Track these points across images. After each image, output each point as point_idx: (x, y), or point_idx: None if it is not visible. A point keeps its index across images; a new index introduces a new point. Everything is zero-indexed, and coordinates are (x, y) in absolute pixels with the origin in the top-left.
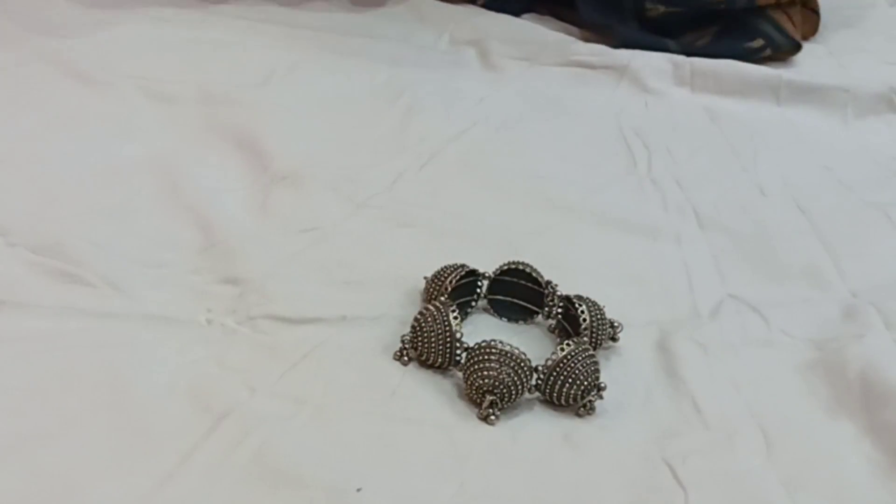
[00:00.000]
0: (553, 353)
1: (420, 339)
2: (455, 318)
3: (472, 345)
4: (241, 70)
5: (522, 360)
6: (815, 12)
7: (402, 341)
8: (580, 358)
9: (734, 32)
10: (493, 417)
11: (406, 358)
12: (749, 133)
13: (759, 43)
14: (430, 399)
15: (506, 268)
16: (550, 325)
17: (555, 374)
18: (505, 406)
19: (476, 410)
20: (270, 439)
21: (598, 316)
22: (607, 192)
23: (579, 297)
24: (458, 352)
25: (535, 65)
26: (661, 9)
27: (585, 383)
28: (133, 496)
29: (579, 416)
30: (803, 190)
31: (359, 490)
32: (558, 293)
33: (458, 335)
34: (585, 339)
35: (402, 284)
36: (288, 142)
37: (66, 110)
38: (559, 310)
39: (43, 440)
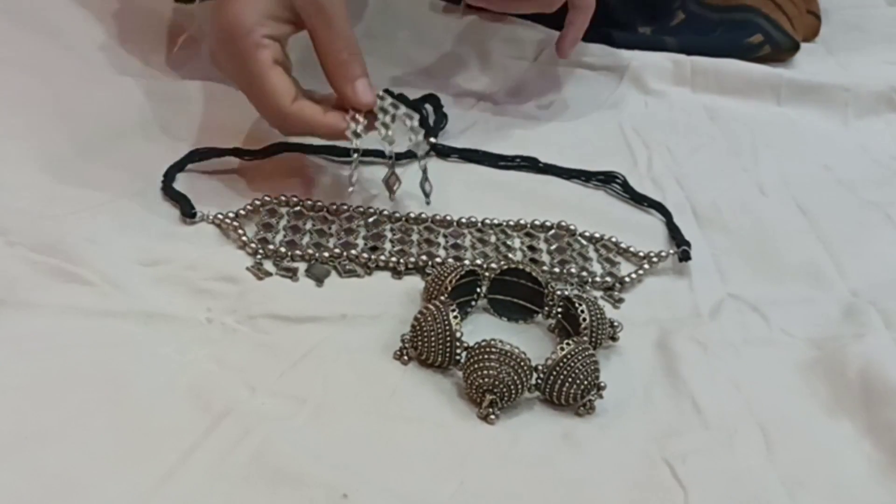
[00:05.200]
0: (553, 353)
1: (420, 338)
2: (455, 317)
3: (472, 344)
4: None
5: (522, 360)
6: (816, 16)
7: (402, 340)
8: (580, 357)
9: (733, 30)
10: (492, 416)
11: (406, 357)
12: (749, 132)
13: (758, 39)
14: (430, 398)
15: (506, 267)
16: (550, 325)
17: (555, 373)
18: (505, 405)
19: (476, 410)
20: (270, 438)
21: (598, 315)
22: (607, 191)
23: (579, 297)
24: (458, 351)
25: (535, 65)
26: (649, 30)
27: (585, 383)
28: (133, 495)
29: (579, 415)
30: (803, 189)
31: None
32: (558, 293)
33: (458, 334)
34: (585, 338)
35: (402, 283)
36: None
37: (66, 108)
38: (559, 309)
39: (43, 440)
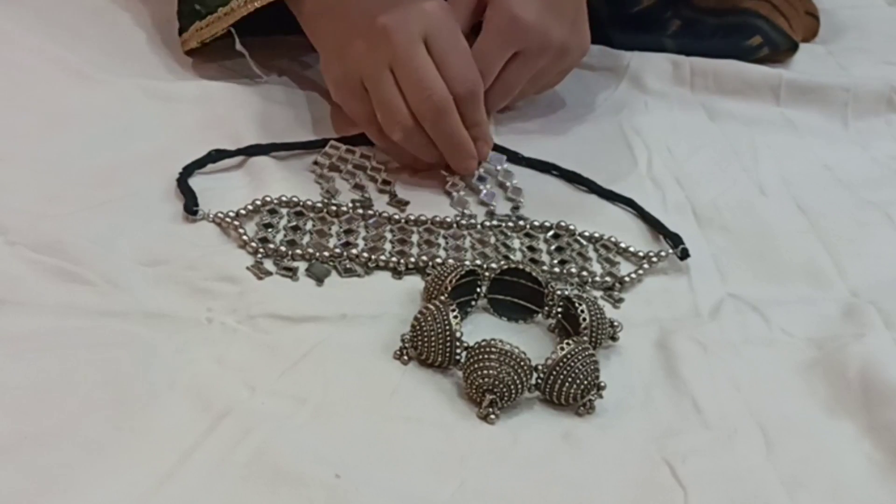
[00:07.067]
0: (553, 353)
1: (420, 338)
2: (455, 317)
3: (472, 344)
4: (241, 69)
5: (522, 360)
6: (815, 17)
7: (402, 340)
8: (580, 357)
9: (732, 32)
10: (492, 416)
11: (406, 357)
12: (749, 133)
13: (757, 41)
14: (430, 398)
15: (506, 267)
16: (550, 325)
17: (555, 373)
18: (505, 405)
19: (476, 409)
20: (270, 438)
21: (598, 315)
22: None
23: (579, 297)
24: (458, 351)
25: None
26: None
27: (585, 382)
28: (133, 495)
29: (579, 415)
30: (803, 190)
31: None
32: (558, 293)
33: (458, 334)
34: (585, 338)
35: (402, 283)
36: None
37: (67, 108)
38: (559, 309)
39: (43, 440)
